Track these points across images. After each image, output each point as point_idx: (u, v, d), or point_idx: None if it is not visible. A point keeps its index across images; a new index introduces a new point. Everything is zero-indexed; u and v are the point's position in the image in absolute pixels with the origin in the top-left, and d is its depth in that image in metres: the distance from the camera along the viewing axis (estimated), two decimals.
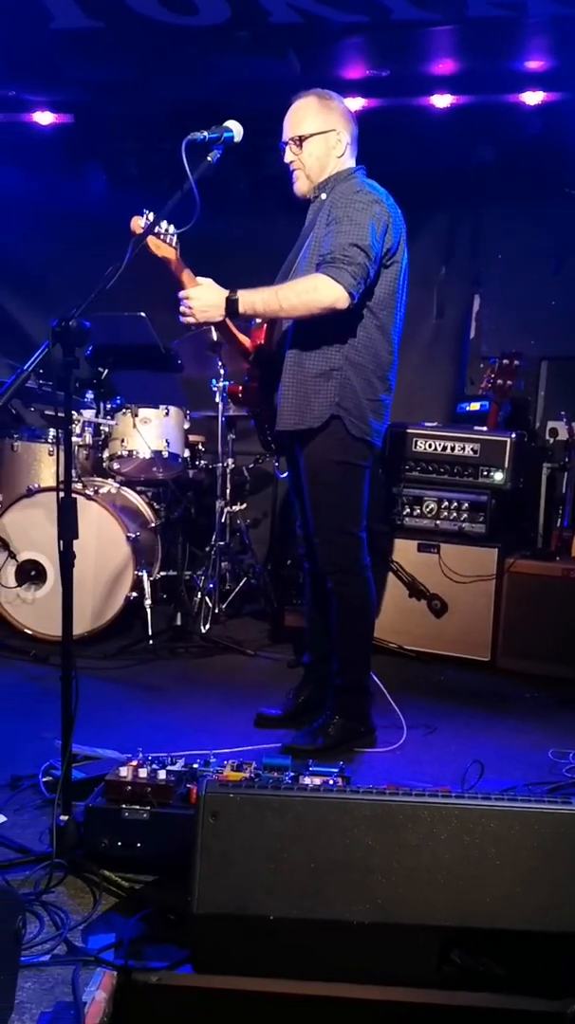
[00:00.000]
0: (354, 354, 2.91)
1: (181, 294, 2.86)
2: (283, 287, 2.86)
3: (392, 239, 2.90)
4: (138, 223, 2.72)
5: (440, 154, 5.15)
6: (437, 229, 5.47)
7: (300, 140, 2.99)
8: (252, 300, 2.84)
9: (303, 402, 2.93)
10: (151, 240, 2.73)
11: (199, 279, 2.88)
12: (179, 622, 4.36)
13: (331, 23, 4.45)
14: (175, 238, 2.79)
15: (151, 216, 2.69)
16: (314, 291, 2.78)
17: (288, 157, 3.04)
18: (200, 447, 4.88)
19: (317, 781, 2.13)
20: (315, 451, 2.96)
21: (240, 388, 3.28)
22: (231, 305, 2.83)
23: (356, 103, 4.98)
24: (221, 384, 4.55)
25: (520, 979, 1.72)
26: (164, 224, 2.73)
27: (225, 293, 2.84)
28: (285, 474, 3.61)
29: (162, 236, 2.76)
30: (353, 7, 4.35)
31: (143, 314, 4.40)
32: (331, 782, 2.14)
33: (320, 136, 2.98)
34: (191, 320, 2.88)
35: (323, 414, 2.91)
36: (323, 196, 2.99)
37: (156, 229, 2.70)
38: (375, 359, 2.95)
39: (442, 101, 5.06)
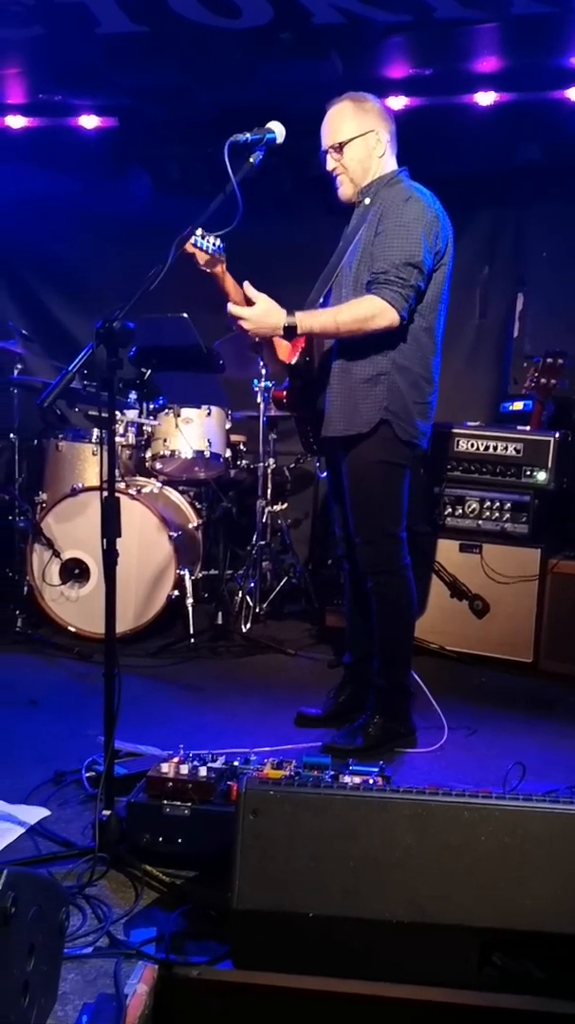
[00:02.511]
0: (401, 358, 2.90)
1: (235, 310, 2.80)
2: (342, 311, 2.84)
3: (441, 243, 2.90)
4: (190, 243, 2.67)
5: (483, 152, 5.12)
6: (480, 228, 5.43)
7: (340, 147, 2.99)
8: (311, 325, 2.83)
9: (351, 408, 2.93)
10: (200, 255, 2.71)
11: (253, 293, 2.80)
12: (220, 621, 4.39)
13: (374, 23, 4.44)
14: (222, 250, 2.75)
15: (200, 232, 2.66)
16: (372, 318, 2.79)
17: (330, 165, 3.03)
18: (241, 447, 4.90)
19: (357, 780, 2.12)
20: (361, 454, 2.96)
21: (284, 393, 3.28)
22: (289, 331, 2.82)
23: (399, 102, 4.97)
24: (263, 384, 4.56)
25: (561, 983, 1.71)
26: (212, 239, 2.71)
27: (283, 315, 2.80)
28: (325, 474, 3.60)
29: (206, 247, 2.71)
30: (396, 6, 4.33)
31: (185, 315, 4.43)
32: (371, 781, 2.13)
33: (359, 139, 2.97)
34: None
35: (372, 419, 2.90)
36: (367, 201, 2.98)
37: (200, 242, 2.66)
38: (422, 361, 2.94)
39: (486, 99, 5.02)
